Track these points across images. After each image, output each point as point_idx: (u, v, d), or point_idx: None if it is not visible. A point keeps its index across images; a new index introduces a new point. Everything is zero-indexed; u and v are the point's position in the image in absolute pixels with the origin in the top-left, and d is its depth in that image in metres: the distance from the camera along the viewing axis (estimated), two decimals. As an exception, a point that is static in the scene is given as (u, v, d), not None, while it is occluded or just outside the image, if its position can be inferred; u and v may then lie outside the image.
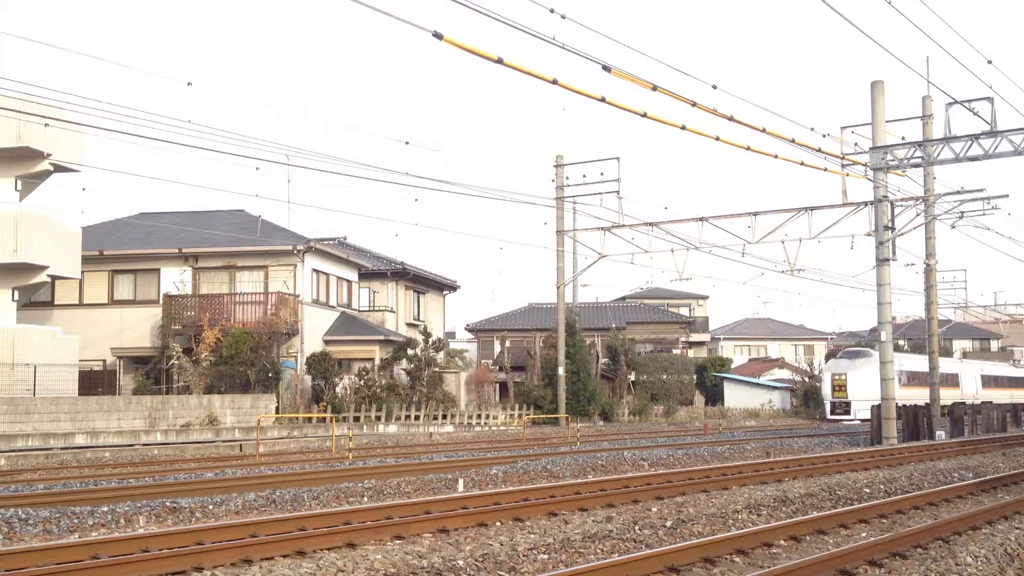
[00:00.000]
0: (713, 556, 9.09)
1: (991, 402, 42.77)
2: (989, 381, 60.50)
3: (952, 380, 54.06)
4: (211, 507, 12.62)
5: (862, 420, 45.36)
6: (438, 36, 14.26)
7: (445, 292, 51.59)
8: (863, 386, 48.67)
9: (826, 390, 51.94)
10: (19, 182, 30.93)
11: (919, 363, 46.53)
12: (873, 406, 29.28)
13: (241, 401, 32.06)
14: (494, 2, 13.72)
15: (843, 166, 27.70)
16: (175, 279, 37.33)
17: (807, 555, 9.22)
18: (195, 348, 34.31)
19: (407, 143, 25.82)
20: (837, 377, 50.97)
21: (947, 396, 40.87)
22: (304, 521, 10.74)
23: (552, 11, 14.27)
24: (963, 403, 38.57)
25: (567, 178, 40.86)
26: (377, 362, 38.45)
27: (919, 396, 39.26)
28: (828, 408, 51.44)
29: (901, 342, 67.92)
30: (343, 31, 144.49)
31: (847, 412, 49.98)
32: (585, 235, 39.29)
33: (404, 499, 13.88)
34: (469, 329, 60.68)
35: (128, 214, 43.23)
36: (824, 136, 25.74)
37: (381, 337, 39.77)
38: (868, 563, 8.83)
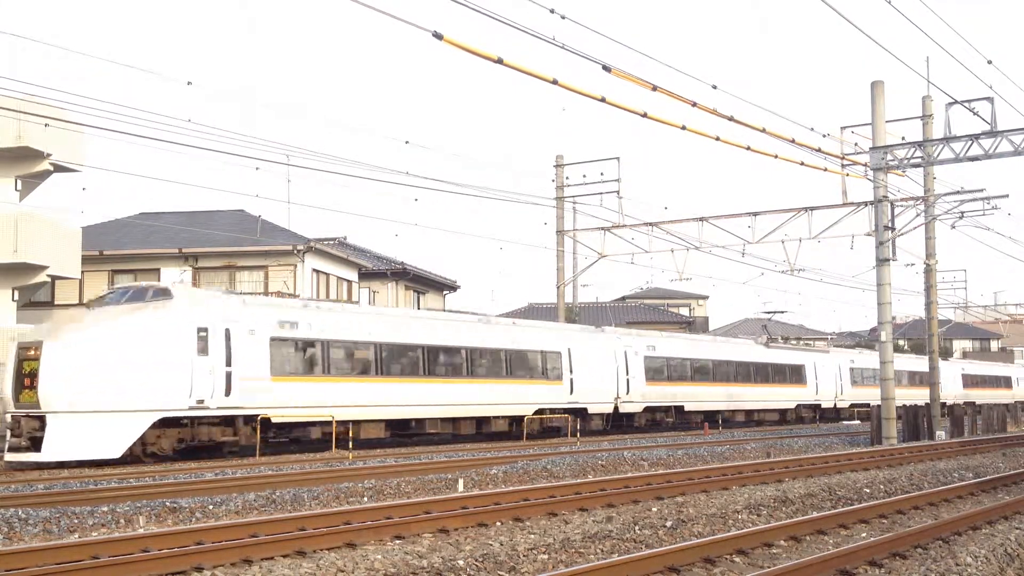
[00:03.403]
0: (713, 556, 9.09)
1: None
2: None
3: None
4: (211, 507, 12.63)
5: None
6: (438, 36, 14.27)
7: (445, 292, 51.57)
8: (104, 377, 19.87)
9: (6, 388, 20.33)
10: (19, 182, 30.90)
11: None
12: (874, 406, 28.46)
13: (241, 401, 31.97)
14: (494, 2, 13.74)
15: (843, 166, 27.74)
16: (175, 279, 37.29)
17: (807, 555, 9.22)
18: (195, 348, 34.25)
19: (407, 143, 25.86)
20: (27, 355, 19.97)
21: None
22: (304, 521, 10.74)
23: (552, 11, 14.28)
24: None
25: (567, 178, 40.81)
26: (377, 362, 38.38)
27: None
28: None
29: (901, 342, 67.88)
30: (343, 31, 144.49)
31: (35, 447, 19.16)
32: (585, 235, 39.25)
33: (404, 499, 13.87)
34: (469, 329, 60.53)
35: (128, 214, 43.21)
36: (824, 136, 25.79)
37: (381, 337, 39.71)
38: (868, 563, 8.83)
